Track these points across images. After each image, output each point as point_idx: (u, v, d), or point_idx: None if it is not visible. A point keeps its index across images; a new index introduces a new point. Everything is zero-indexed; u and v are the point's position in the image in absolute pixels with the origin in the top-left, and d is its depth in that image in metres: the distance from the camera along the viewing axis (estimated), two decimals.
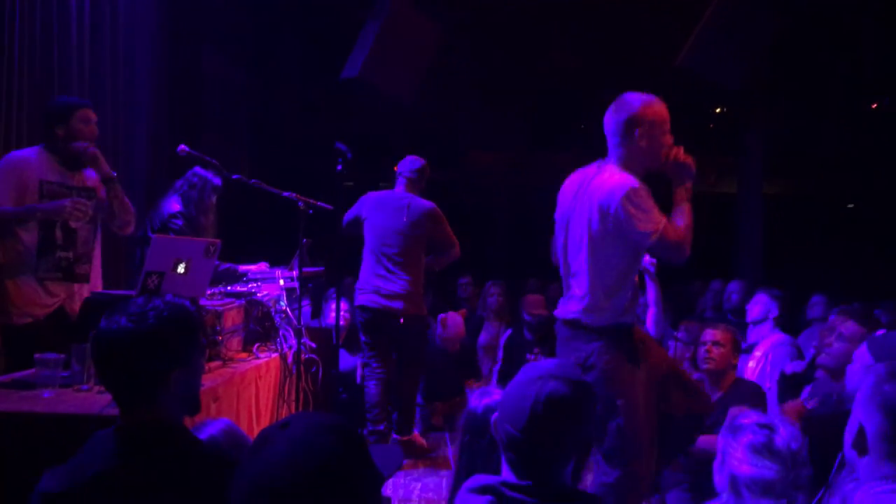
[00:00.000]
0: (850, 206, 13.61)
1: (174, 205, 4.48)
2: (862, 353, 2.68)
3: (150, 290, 3.25)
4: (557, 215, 3.47)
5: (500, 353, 6.36)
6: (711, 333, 4.26)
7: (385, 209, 5.25)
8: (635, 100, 3.27)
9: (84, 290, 4.05)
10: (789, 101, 9.36)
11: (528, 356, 6.09)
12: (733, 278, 7.22)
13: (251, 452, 1.24)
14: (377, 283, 5.20)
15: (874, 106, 11.44)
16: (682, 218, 3.21)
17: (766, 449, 2.00)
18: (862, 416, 1.78)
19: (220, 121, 8.01)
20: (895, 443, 1.72)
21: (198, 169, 4.54)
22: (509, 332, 6.44)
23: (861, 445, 1.76)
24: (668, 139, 3.27)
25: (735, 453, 2.04)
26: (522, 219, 12.48)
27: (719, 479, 2.10)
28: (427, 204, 5.24)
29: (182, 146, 4.24)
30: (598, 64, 9.08)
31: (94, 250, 4.17)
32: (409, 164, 5.35)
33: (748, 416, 2.12)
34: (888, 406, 1.74)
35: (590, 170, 3.35)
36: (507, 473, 1.71)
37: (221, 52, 7.88)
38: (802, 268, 9.74)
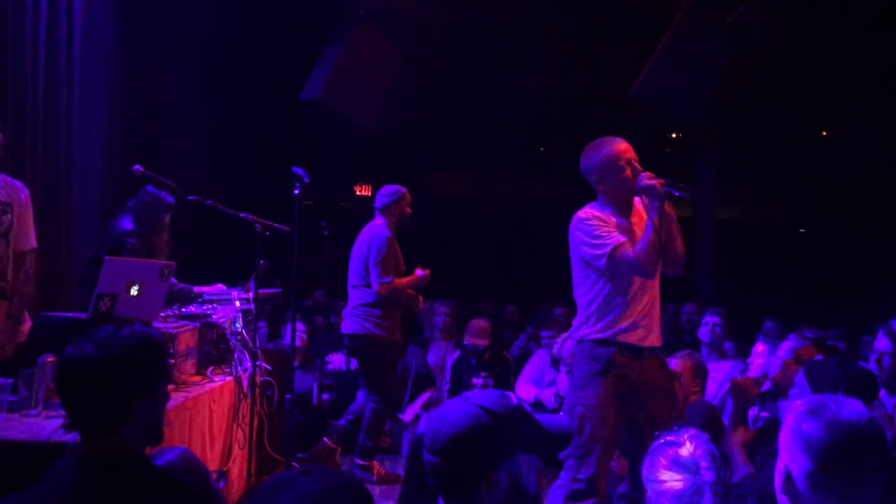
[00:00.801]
0: (802, 230, 13.94)
1: (126, 224, 4.36)
2: (800, 381, 2.68)
3: (103, 312, 3.21)
4: None
5: (448, 375, 6.34)
6: (671, 363, 4.29)
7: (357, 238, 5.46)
8: (590, 149, 3.59)
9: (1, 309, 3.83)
10: (743, 129, 9.59)
11: (475, 380, 6.09)
12: (687, 302, 7.32)
13: (269, 491, 1.32)
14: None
15: (824, 133, 11.78)
16: (644, 237, 3.43)
17: (674, 463, 2.10)
18: (787, 458, 1.69)
19: (179, 142, 7.93)
20: (824, 490, 1.63)
21: (150, 188, 4.45)
22: (457, 353, 6.43)
23: (792, 491, 1.68)
24: (629, 172, 3.51)
25: (653, 470, 2.15)
26: (483, 242, 12.56)
27: (649, 493, 2.18)
28: (376, 230, 5.28)
29: (136, 166, 4.20)
30: (559, 90, 9.22)
31: (8, 266, 3.90)
32: (377, 194, 5.45)
33: (665, 436, 2.22)
34: (811, 447, 1.63)
35: None
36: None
37: (181, 73, 7.82)
38: (756, 291, 9.93)
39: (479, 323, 6.31)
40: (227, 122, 8.91)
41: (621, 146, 3.53)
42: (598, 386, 3.41)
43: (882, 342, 3.77)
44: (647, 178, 3.43)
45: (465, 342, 6.24)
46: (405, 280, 5.31)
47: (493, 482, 1.65)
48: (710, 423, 3.83)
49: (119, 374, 1.83)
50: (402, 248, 5.38)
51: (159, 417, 1.96)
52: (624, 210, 3.58)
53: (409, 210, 5.43)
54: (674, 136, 11.42)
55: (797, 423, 1.68)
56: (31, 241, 4.01)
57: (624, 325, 3.47)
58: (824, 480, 1.62)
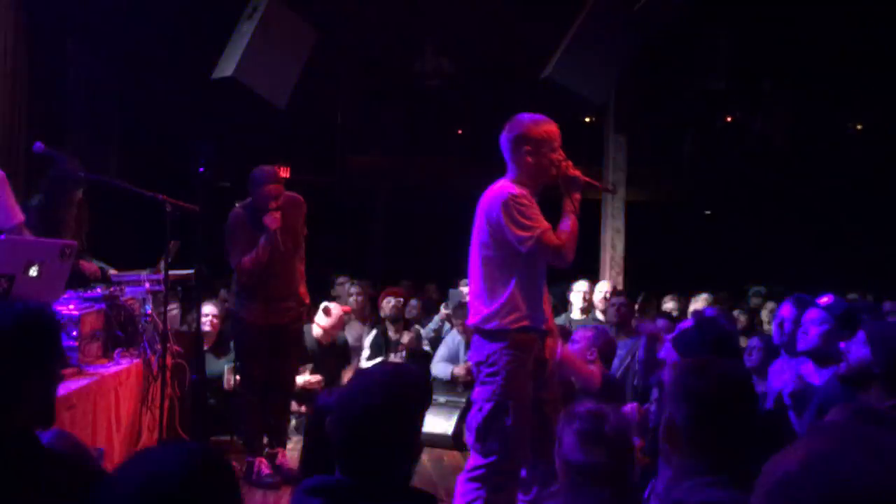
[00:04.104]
0: (708, 212, 14.44)
1: (32, 200, 4.28)
2: (668, 349, 2.88)
3: None
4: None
5: (367, 353, 6.38)
6: (575, 335, 4.35)
7: None
8: (525, 119, 3.49)
9: None
10: (651, 113, 9.87)
11: (393, 355, 6.15)
12: (596, 281, 7.50)
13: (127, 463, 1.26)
14: None
15: (729, 119, 12.25)
16: (566, 226, 3.40)
17: (594, 436, 2.07)
18: (671, 408, 1.84)
19: (87, 119, 7.69)
20: (703, 431, 1.79)
21: (59, 162, 4.30)
22: (375, 331, 6.48)
23: (674, 438, 1.83)
24: (557, 156, 3.47)
25: (567, 440, 2.11)
26: (400, 222, 12.60)
27: (558, 464, 2.16)
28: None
29: (38, 144, 4.07)
30: (475, 72, 9.30)
31: None
32: None
33: (583, 405, 2.20)
34: (691, 396, 1.81)
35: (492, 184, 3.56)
36: (339, 474, 1.75)
37: (89, 47, 7.56)
38: (661, 271, 10.28)
39: (394, 290, 6.52)
40: (141, 100, 8.66)
41: (557, 128, 3.49)
42: (526, 377, 3.37)
43: (786, 308, 3.98)
44: (572, 169, 3.44)
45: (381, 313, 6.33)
46: (256, 252, 4.57)
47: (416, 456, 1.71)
48: (611, 394, 3.99)
49: (3, 350, 1.80)
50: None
51: (50, 396, 1.93)
52: (537, 194, 3.50)
53: (268, 203, 4.56)
54: (587, 119, 11.65)
55: (680, 377, 1.87)
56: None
57: (537, 311, 3.45)
58: (702, 426, 1.80)
